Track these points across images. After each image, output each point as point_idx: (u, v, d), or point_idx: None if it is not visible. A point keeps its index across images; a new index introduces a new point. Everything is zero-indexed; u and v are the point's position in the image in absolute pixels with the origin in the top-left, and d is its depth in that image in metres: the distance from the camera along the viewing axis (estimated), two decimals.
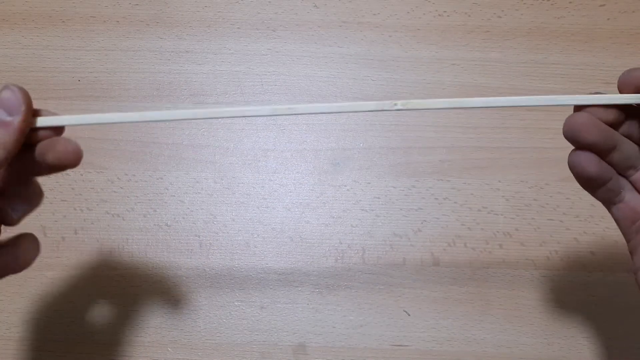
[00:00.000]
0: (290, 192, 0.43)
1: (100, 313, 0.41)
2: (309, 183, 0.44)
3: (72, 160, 0.26)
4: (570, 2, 0.48)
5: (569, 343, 0.40)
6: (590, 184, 0.27)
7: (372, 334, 0.40)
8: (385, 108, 0.27)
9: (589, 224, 0.42)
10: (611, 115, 0.26)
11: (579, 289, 0.41)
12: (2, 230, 0.27)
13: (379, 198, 0.43)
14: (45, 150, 0.26)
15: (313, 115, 0.45)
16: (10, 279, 0.42)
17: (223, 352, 0.40)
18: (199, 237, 0.42)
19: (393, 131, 0.45)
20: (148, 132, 0.45)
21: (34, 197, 0.29)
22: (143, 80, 0.46)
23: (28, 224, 0.43)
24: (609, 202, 0.27)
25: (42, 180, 0.44)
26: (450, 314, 0.40)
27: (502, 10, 0.48)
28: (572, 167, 0.27)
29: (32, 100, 0.26)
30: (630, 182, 0.27)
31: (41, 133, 0.26)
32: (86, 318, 0.41)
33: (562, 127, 0.44)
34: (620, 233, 0.29)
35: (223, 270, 0.41)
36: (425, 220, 0.42)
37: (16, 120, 0.25)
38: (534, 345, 0.40)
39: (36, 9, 0.48)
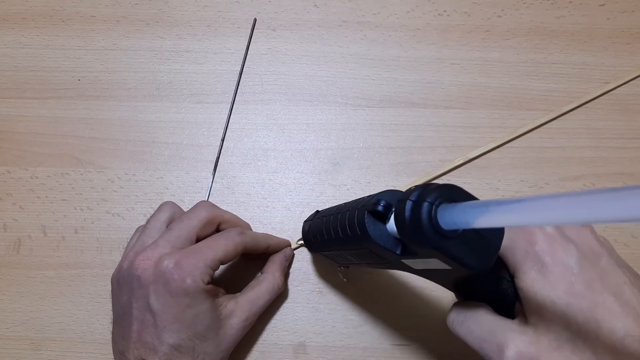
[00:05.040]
0: (290, 191, 0.43)
1: (100, 313, 0.41)
2: (309, 182, 0.44)
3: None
4: (570, 2, 0.48)
5: None
6: None
7: (372, 334, 0.40)
8: None
9: None
10: None
11: None
12: None
13: None
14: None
15: (313, 114, 0.45)
16: (11, 278, 0.42)
17: None
18: None
19: (393, 131, 0.45)
20: (148, 131, 0.45)
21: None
22: (143, 80, 0.46)
23: (29, 224, 0.43)
24: None
25: (42, 180, 0.44)
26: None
27: (502, 10, 0.48)
28: None
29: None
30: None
31: None
32: (86, 318, 0.41)
33: (561, 127, 0.45)
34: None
35: (223, 270, 0.41)
36: None
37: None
38: None
39: (36, 9, 0.48)
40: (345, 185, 0.43)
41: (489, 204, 0.20)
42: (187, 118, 0.45)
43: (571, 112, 0.45)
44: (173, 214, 0.37)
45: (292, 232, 0.42)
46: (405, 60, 0.47)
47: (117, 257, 0.38)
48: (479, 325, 0.27)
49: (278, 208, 0.43)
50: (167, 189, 0.43)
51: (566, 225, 0.27)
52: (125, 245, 0.37)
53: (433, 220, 0.22)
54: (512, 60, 0.46)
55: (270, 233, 0.41)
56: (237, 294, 0.37)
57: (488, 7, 0.48)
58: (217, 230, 0.37)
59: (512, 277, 0.27)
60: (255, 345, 0.40)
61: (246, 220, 0.41)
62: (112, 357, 0.35)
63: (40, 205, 0.43)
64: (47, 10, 0.48)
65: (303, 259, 0.42)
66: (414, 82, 0.46)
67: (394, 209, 0.25)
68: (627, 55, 0.46)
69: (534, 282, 0.25)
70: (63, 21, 0.48)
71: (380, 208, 0.26)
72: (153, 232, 0.36)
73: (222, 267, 0.36)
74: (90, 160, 0.44)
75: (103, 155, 0.44)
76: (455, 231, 0.22)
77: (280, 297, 0.40)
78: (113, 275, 0.36)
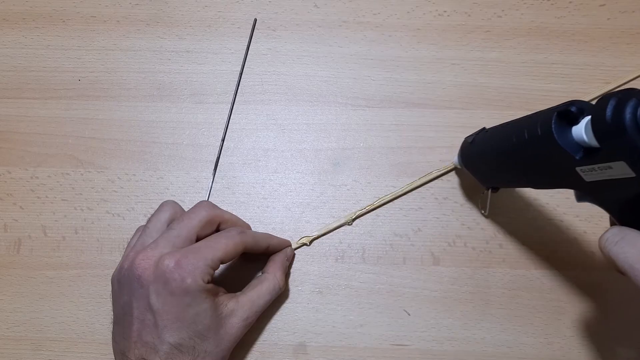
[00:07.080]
0: (290, 191, 0.43)
1: (101, 313, 0.41)
2: (309, 183, 0.44)
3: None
4: (570, 2, 0.48)
5: (569, 343, 0.40)
6: None
7: (372, 334, 0.40)
8: None
9: (589, 224, 0.42)
10: None
11: (578, 288, 0.41)
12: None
13: (379, 198, 0.43)
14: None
15: (313, 114, 0.45)
16: (11, 278, 0.42)
17: None
18: None
19: (393, 131, 0.45)
20: (148, 131, 0.45)
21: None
22: (143, 80, 0.46)
23: (29, 224, 0.43)
24: None
25: (42, 180, 0.44)
26: (450, 314, 0.40)
27: (502, 10, 0.48)
28: None
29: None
30: None
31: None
32: (86, 318, 0.41)
33: None
34: None
35: (223, 270, 0.41)
36: (425, 220, 0.42)
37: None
38: (534, 345, 0.40)
39: (37, 9, 0.48)
40: (346, 185, 0.43)
41: None
42: (187, 118, 0.45)
43: None
44: (173, 214, 0.37)
45: (293, 232, 0.42)
46: (405, 60, 0.47)
47: (117, 257, 0.39)
48: (635, 247, 0.27)
49: (278, 208, 0.43)
50: (167, 189, 0.43)
51: None
52: (126, 245, 0.37)
53: (638, 117, 0.23)
54: (512, 60, 0.46)
55: (270, 233, 0.41)
56: (238, 293, 0.37)
57: (488, 7, 0.48)
58: (217, 230, 0.37)
59: None
60: (255, 345, 0.40)
61: (246, 221, 0.41)
62: (113, 357, 0.35)
63: (40, 205, 0.43)
64: (47, 10, 0.48)
65: (303, 259, 0.42)
66: (414, 82, 0.46)
67: (588, 114, 0.26)
68: (627, 55, 0.46)
69: None
70: (63, 21, 0.48)
71: (573, 109, 0.26)
72: (153, 232, 0.36)
73: (222, 267, 0.36)
74: (90, 160, 0.44)
75: (103, 155, 0.44)
76: None
77: (280, 297, 0.40)
78: (113, 275, 0.36)
